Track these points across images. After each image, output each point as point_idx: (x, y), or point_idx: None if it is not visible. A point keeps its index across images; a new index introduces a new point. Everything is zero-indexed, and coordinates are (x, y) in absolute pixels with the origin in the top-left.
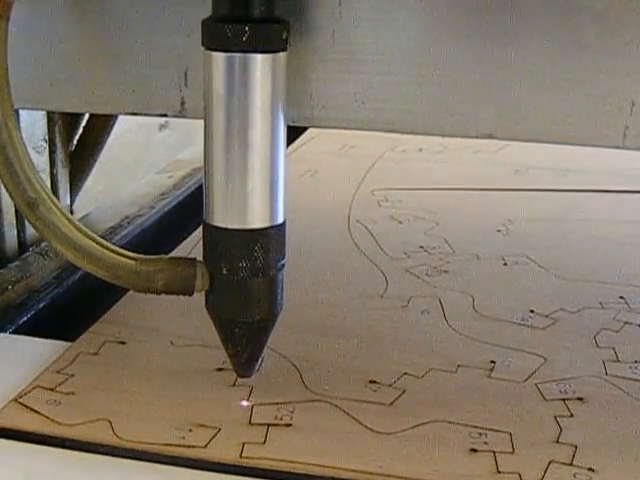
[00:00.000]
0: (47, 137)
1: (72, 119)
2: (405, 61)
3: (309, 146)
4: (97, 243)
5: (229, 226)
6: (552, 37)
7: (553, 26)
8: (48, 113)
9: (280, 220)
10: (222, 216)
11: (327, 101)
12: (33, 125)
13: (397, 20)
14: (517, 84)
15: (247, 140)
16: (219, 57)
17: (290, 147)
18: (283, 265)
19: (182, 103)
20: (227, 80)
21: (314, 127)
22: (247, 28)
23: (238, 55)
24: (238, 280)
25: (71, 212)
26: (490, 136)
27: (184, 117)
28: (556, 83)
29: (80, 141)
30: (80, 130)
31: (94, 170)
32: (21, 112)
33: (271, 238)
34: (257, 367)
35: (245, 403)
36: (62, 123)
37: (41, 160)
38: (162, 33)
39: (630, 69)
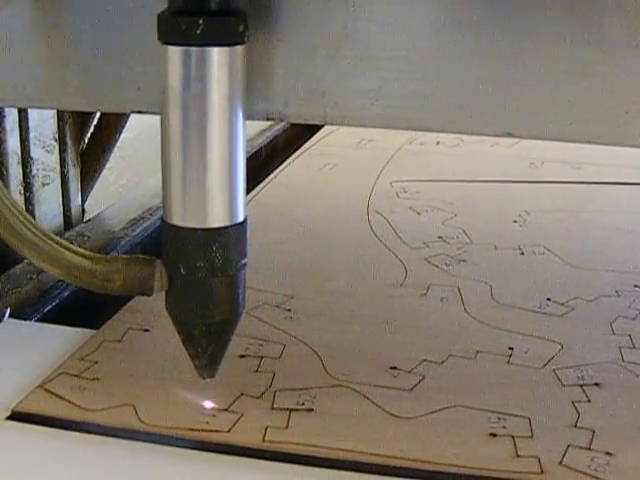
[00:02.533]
0: (57, 136)
1: (83, 118)
2: (420, 57)
3: (328, 140)
4: (53, 241)
5: (187, 225)
6: (574, 34)
7: (575, 22)
8: (58, 112)
9: (240, 219)
10: (179, 214)
11: (340, 99)
12: (42, 124)
13: (412, 15)
14: (536, 81)
15: (205, 136)
16: (174, 51)
17: (309, 141)
18: (244, 264)
19: None
20: (183, 75)
21: (327, 125)
22: (201, 21)
23: (193, 49)
24: (196, 280)
25: (82, 211)
26: (509, 134)
27: None
28: (577, 81)
29: (91, 140)
30: (91, 129)
31: (117, 165)
32: (30, 111)
33: (230, 237)
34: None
35: (209, 405)
36: (73, 122)
37: (51, 159)
38: None
39: None
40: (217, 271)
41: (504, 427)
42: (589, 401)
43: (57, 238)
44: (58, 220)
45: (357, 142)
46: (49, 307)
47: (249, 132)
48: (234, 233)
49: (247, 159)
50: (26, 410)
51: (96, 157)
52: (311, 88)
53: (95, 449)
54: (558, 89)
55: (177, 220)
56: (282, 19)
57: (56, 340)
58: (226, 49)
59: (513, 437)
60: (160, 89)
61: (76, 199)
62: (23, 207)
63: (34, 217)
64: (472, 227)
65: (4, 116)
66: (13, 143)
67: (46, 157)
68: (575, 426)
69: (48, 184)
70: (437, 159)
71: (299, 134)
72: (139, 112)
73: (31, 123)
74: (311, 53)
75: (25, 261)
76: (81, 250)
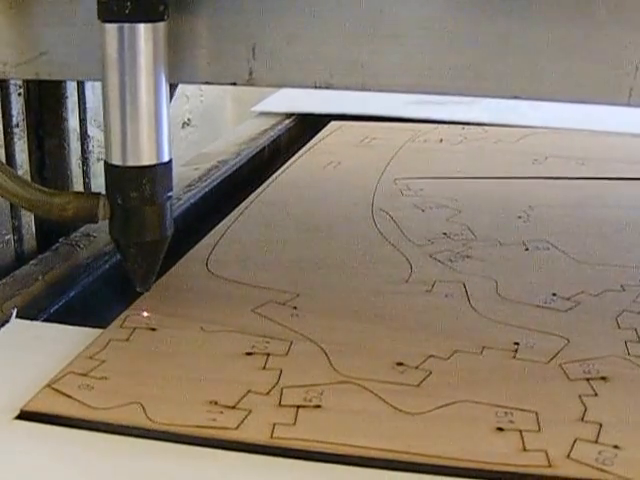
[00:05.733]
0: None
1: None
2: (441, 35)
3: (331, 138)
4: (18, 181)
5: (123, 164)
6: (568, 13)
7: (567, 5)
8: None
9: (165, 159)
10: (117, 155)
11: (376, 70)
12: (97, 105)
13: (435, 1)
14: (539, 53)
15: (135, 95)
16: (110, 27)
17: (313, 139)
18: (170, 196)
19: (250, 73)
20: (117, 46)
21: (365, 91)
22: (129, 3)
23: (125, 25)
24: (131, 208)
25: None
26: (517, 97)
27: (252, 85)
28: (572, 52)
29: None
30: None
31: None
32: (87, 93)
33: (157, 173)
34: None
35: (145, 314)
36: None
37: (104, 137)
38: (234, 12)
39: (635, 39)
40: (147, 200)
41: (511, 421)
42: (596, 395)
43: (21, 177)
44: None
45: (360, 140)
46: (56, 307)
47: (253, 132)
48: (160, 170)
49: (250, 159)
50: (34, 409)
51: None
52: (351, 61)
53: (103, 447)
54: (554, 59)
55: (116, 160)
56: (330, 6)
57: (63, 340)
58: (150, 25)
59: (520, 431)
60: (100, 57)
61: None
62: (82, 180)
63: (90, 188)
64: (476, 223)
65: (67, 97)
66: (73, 122)
67: (100, 135)
68: (582, 420)
69: (102, 159)
70: (440, 156)
71: (302, 133)
72: (207, 83)
73: (88, 104)
74: (352, 33)
75: (31, 262)
76: (40, 187)
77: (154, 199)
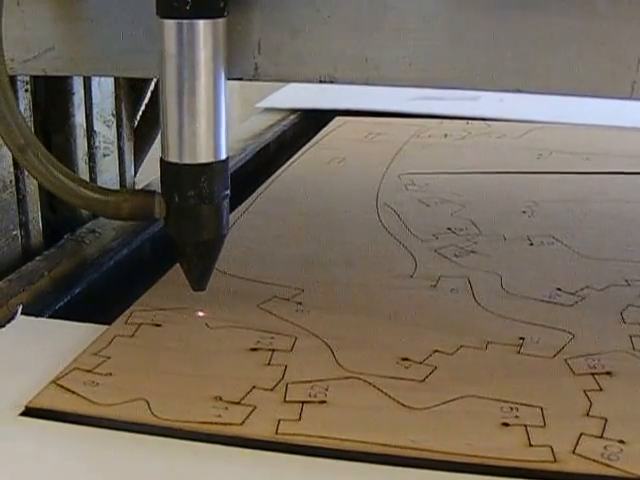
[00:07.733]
0: (115, 112)
1: (135, 96)
2: (444, 29)
3: (336, 134)
4: (74, 180)
5: (180, 161)
6: (569, 7)
7: None
8: (116, 90)
9: (223, 157)
10: (174, 153)
11: (380, 64)
12: (103, 101)
13: None
14: (541, 47)
15: (194, 91)
16: (169, 24)
17: (317, 135)
18: (227, 195)
19: (256, 68)
20: (176, 42)
21: (370, 86)
22: None
23: (184, 22)
24: (188, 207)
25: (134, 182)
26: (519, 90)
27: (257, 80)
28: (574, 45)
29: (142, 117)
30: (142, 107)
31: None
32: (93, 88)
33: (214, 171)
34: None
35: (201, 313)
36: (127, 100)
37: (110, 133)
38: (240, 10)
39: (637, 32)
40: (204, 199)
41: (516, 417)
42: (601, 390)
43: (78, 177)
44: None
45: (365, 136)
46: (61, 303)
47: (258, 128)
48: (218, 168)
49: (255, 155)
50: (40, 406)
51: (147, 133)
52: (356, 55)
53: (108, 444)
54: (556, 52)
55: (173, 158)
56: (334, 1)
57: (68, 336)
58: (210, 21)
59: (525, 426)
60: (158, 54)
61: (130, 170)
62: (88, 176)
63: (97, 183)
64: (481, 218)
65: (73, 93)
66: (80, 117)
67: (106, 131)
68: (587, 415)
69: (108, 155)
70: (445, 151)
71: (306, 129)
72: None
73: (94, 100)
74: (356, 27)
75: (36, 258)
76: (97, 186)
77: (212, 198)
